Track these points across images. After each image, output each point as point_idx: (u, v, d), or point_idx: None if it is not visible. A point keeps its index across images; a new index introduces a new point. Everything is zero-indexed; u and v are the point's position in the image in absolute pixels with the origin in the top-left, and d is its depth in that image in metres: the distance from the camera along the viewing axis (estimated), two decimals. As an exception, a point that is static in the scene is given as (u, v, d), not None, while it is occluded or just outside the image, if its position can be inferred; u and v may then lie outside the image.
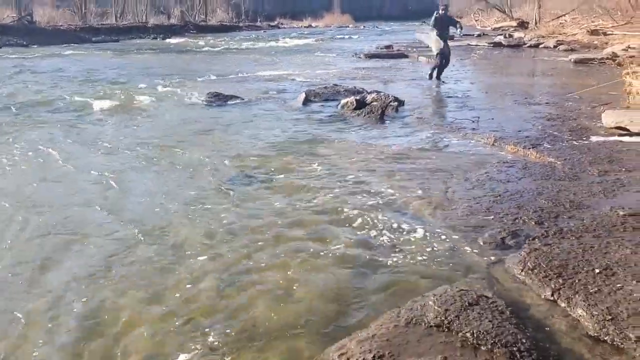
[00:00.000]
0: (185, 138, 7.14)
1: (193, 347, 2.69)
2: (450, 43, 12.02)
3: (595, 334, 2.57)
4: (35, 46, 27.38)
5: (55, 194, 5.07)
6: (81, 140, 7.19)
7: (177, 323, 2.89)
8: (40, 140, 7.07)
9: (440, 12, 11.68)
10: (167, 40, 34.95)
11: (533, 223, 3.87)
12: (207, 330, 2.82)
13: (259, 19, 64.92)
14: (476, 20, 44.24)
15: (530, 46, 22.45)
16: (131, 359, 2.65)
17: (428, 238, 3.80)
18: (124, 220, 4.35)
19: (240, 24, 57.01)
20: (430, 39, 11.95)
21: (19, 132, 7.59)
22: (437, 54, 11.58)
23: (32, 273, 3.52)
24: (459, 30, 12.29)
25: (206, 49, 27.16)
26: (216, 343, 2.72)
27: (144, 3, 50.18)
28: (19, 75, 14.88)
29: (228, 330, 2.81)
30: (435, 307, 2.79)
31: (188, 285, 3.26)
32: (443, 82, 11.66)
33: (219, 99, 9.73)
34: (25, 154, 6.40)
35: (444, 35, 11.58)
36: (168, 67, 17.72)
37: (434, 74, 11.86)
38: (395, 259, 3.54)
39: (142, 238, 3.97)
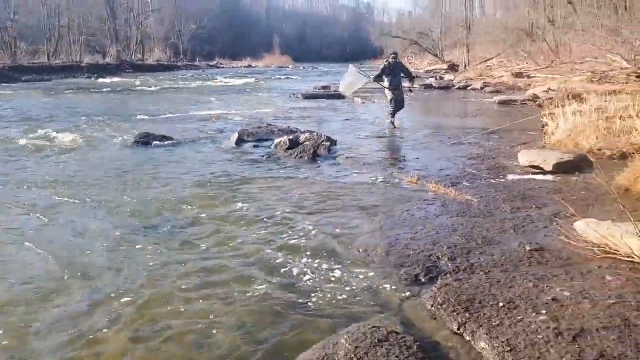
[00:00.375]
0: (110, 179, 7.03)
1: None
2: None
3: (495, 365, 2.71)
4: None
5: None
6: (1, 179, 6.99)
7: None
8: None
9: (390, 60, 11.73)
10: (102, 79, 34.34)
11: (446, 259, 4.02)
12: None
13: (197, 59, 65.07)
14: (410, 63, 45.88)
15: (459, 88, 23.50)
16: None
17: (347, 277, 3.89)
18: (43, 259, 4.28)
19: (179, 63, 56.98)
20: (349, 82, 12.19)
21: None
22: (391, 99, 11.49)
23: None
24: (409, 82, 12.48)
25: (141, 88, 26.89)
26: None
27: (78, 42, 49.42)
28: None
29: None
30: (347, 345, 2.86)
31: (104, 330, 3.20)
32: (394, 125, 11.52)
33: (149, 139, 9.62)
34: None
35: (395, 81, 11.55)
36: (100, 106, 17.44)
37: (391, 119, 11.70)
38: (315, 299, 3.59)
39: (62, 279, 3.91)
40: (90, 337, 3.11)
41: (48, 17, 47.44)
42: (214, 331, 3.20)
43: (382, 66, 11.75)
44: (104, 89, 26.22)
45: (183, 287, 3.78)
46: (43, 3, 47.59)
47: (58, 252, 4.46)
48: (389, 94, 11.53)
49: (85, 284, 3.84)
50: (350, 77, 12.14)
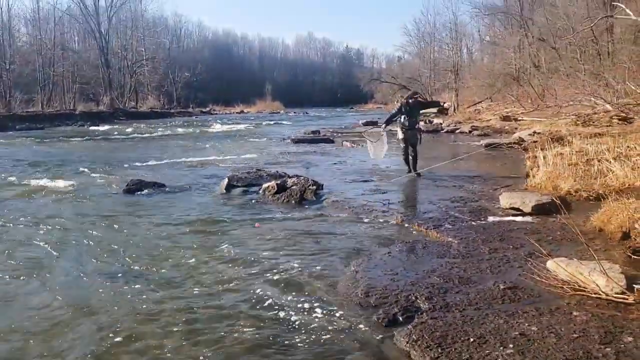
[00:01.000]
0: (101, 225, 7.19)
1: None
2: (376, 129, 11.63)
3: (463, 398, 2.86)
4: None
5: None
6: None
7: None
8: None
9: (409, 100, 11.13)
10: (95, 127, 34.78)
11: (424, 299, 4.17)
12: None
13: (191, 106, 65.87)
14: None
15: (447, 131, 23.93)
16: None
17: (329, 317, 4.03)
18: (41, 295, 4.40)
19: (172, 111, 57.79)
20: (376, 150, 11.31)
21: None
22: (402, 138, 10.79)
23: None
24: (441, 105, 11.55)
25: (135, 135, 27.26)
26: None
27: (73, 90, 50.17)
28: None
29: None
30: (323, 381, 3.01)
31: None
32: (419, 174, 10.70)
33: (140, 187, 9.77)
34: None
35: (411, 122, 10.84)
36: (93, 154, 17.69)
37: (410, 167, 10.91)
38: (298, 339, 3.72)
39: (56, 316, 4.05)
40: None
41: (43, 66, 48.32)
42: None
43: (398, 105, 11.32)
44: (97, 137, 26.56)
45: (169, 327, 3.92)
46: (38, 53, 48.60)
47: (53, 290, 4.70)
48: (400, 134, 10.91)
49: (78, 322, 4.03)
50: (372, 147, 11.41)
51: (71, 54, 54.20)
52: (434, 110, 38.64)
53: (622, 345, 3.25)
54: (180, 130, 31.18)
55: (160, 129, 31.70)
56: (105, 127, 34.36)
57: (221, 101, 73.55)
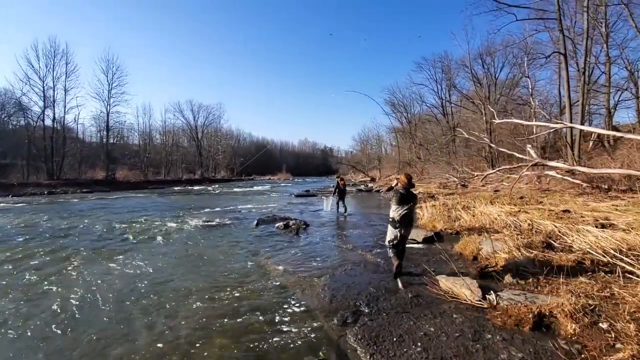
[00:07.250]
0: (186, 246, 6.43)
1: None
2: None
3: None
4: (115, 192, 25.33)
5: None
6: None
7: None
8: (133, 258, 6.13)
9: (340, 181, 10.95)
10: (191, 187, 33.71)
11: (364, 305, 3.58)
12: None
13: (243, 175, 64.95)
14: (350, 177, 46.56)
15: (375, 191, 23.49)
16: None
17: (305, 315, 3.40)
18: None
19: (234, 178, 56.78)
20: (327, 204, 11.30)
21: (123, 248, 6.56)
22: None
23: None
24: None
25: (212, 192, 26.27)
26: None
27: (181, 167, 49.32)
28: (98, 210, 13.51)
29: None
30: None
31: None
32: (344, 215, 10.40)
33: (211, 223, 9.04)
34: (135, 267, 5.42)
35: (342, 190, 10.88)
36: (190, 203, 16.75)
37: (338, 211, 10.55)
38: (285, 322, 3.11)
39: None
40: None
41: (166, 155, 47.62)
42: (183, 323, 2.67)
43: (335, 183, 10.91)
44: (193, 193, 25.54)
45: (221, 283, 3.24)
46: (163, 148, 47.99)
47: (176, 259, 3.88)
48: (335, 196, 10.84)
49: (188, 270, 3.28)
50: (327, 202, 11.44)
51: (181, 148, 53.58)
52: (369, 179, 38.49)
53: (485, 341, 2.74)
54: (237, 189, 30.19)
55: (226, 188, 30.77)
56: (197, 187, 33.29)
57: (259, 173, 72.68)
